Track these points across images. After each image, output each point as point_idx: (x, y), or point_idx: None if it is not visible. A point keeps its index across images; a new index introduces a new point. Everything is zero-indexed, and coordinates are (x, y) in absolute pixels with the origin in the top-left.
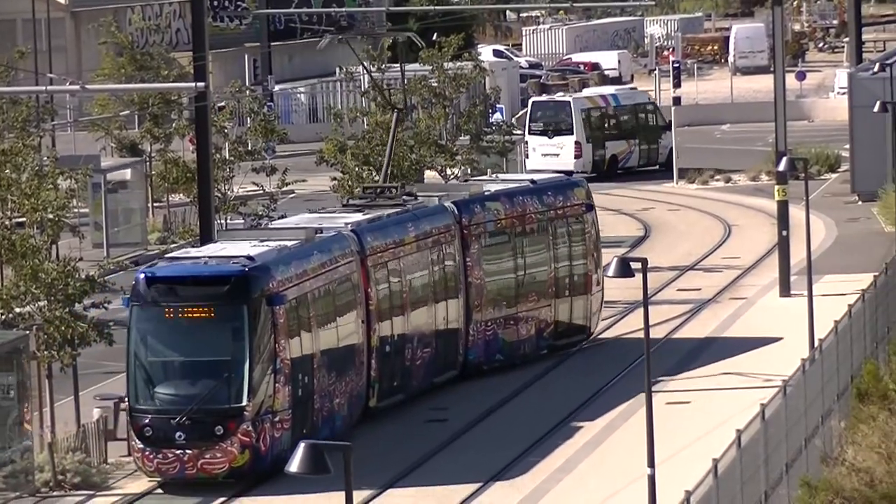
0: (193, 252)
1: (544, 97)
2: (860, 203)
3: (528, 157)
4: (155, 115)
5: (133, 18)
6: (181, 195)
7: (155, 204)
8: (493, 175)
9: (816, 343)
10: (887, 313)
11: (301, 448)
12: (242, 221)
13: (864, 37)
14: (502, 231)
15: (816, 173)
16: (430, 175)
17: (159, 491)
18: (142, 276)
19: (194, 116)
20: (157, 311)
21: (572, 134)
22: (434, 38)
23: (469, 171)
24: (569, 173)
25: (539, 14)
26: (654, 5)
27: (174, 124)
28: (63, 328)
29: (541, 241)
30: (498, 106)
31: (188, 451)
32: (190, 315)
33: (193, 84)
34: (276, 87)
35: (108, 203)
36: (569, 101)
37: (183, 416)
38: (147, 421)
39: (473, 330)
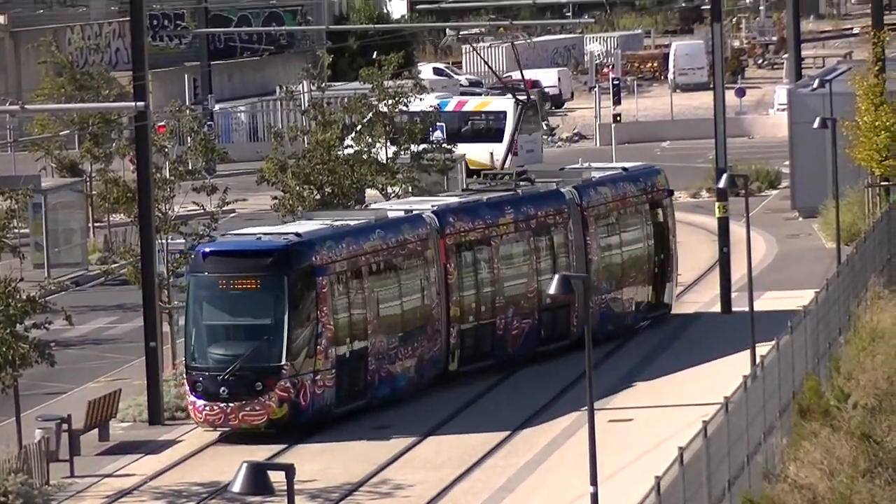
0: (256, 229)
1: None
2: (801, 219)
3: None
4: (95, 135)
5: (72, 38)
6: (122, 215)
7: (96, 224)
8: (587, 163)
9: (758, 360)
10: (828, 329)
11: (243, 468)
12: (183, 241)
13: (803, 53)
14: (611, 213)
15: (757, 190)
16: (371, 193)
17: None
18: (199, 250)
19: (134, 136)
20: (211, 281)
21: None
22: (374, 56)
23: (410, 189)
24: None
25: (479, 32)
26: (594, 22)
27: (114, 144)
28: (4, 349)
29: (638, 222)
30: (438, 124)
31: (231, 404)
32: (238, 284)
33: (133, 104)
34: (217, 107)
35: (48, 223)
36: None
37: (227, 373)
38: (198, 377)
39: (596, 304)
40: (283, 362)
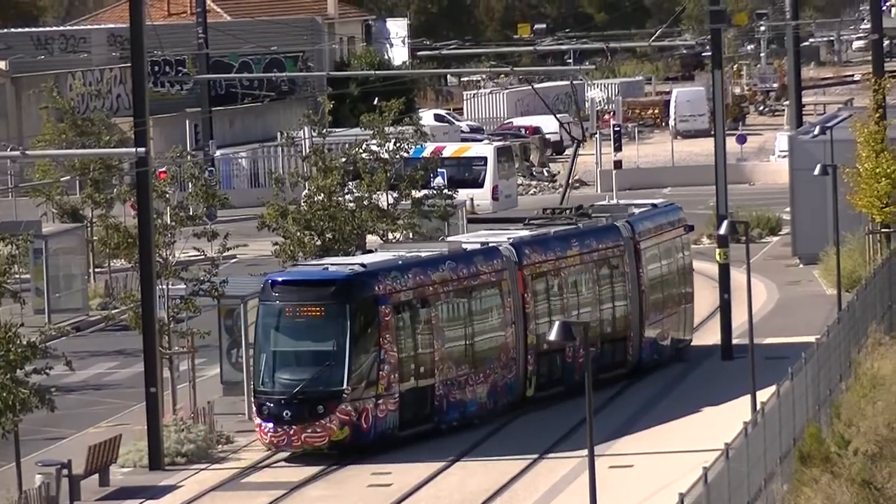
0: (325, 260)
1: None
2: (801, 266)
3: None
4: (96, 181)
5: (74, 84)
6: (122, 260)
7: (96, 270)
8: (615, 201)
9: (759, 406)
10: (829, 376)
11: None
12: (184, 286)
13: (804, 100)
14: (655, 246)
15: (758, 236)
16: (371, 239)
17: None
18: (268, 279)
19: (135, 182)
20: (278, 308)
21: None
22: (375, 102)
23: (411, 235)
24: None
25: (480, 79)
26: (595, 69)
27: (115, 190)
28: (4, 394)
29: (673, 255)
30: (439, 170)
31: (294, 426)
32: (303, 312)
33: (134, 149)
34: (218, 152)
35: (49, 269)
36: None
37: (290, 396)
38: (264, 400)
39: (647, 332)
40: (345, 387)
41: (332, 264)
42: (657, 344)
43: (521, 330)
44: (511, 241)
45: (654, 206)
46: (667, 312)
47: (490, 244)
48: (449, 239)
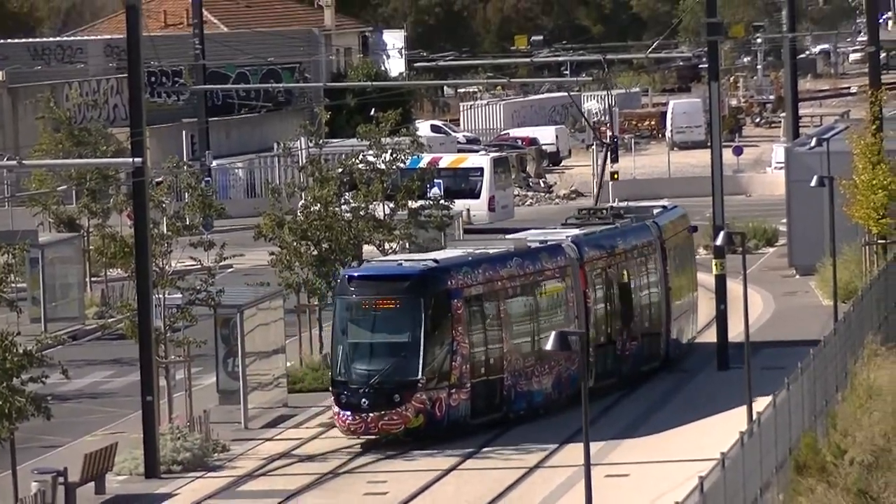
0: (398, 256)
1: None
2: (798, 277)
3: None
4: (92, 191)
5: (70, 94)
6: (119, 270)
7: (93, 279)
8: (625, 203)
9: (755, 416)
10: (825, 386)
11: None
12: (180, 296)
13: (800, 112)
14: (674, 245)
15: (754, 247)
16: (368, 249)
17: None
18: (345, 274)
19: (132, 192)
20: (355, 302)
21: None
22: (372, 113)
23: (407, 245)
24: None
25: (476, 90)
26: (592, 81)
27: (112, 199)
28: (1, 402)
29: (684, 253)
30: (436, 181)
31: (371, 414)
32: (379, 305)
33: (131, 159)
34: (214, 163)
35: (45, 278)
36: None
37: (367, 386)
38: (342, 390)
39: (672, 327)
40: (420, 376)
41: (405, 260)
42: (676, 340)
43: (583, 324)
44: (571, 238)
45: (665, 207)
46: (683, 308)
47: (551, 241)
48: (512, 237)
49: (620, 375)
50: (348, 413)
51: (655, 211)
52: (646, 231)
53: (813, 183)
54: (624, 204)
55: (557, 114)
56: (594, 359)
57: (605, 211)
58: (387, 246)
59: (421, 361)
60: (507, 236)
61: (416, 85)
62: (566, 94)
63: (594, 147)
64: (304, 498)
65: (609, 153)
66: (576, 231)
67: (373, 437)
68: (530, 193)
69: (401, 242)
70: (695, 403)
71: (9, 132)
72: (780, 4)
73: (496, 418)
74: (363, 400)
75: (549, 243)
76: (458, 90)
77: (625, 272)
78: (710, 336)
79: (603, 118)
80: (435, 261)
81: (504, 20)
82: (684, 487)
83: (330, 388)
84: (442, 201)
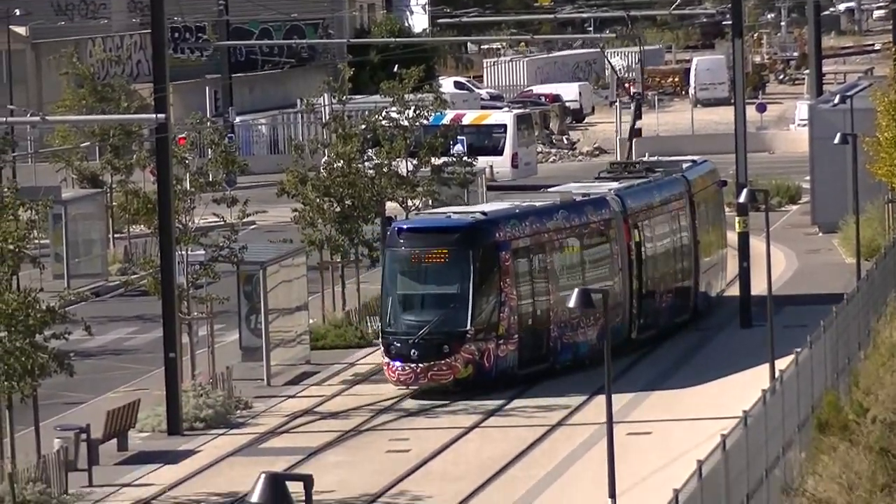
0: (447, 209)
1: None
2: (821, 234)
3: None
4: (115, 147)
5: (94, 50)
6: (142, 226)
7: (116, 235)
8: (655, 157)
9: (777, 374)
10: (847, 344)
11: (262, 479)
12: (203, 252)
13: (824, 69)
14: (702, 199)
15: (777, 205)
16: (391, 206)
17: None
18: (395, 226)
19: (155, 148)
20: (404, 254)
21: None
22: (395, 69)
23: (430, 202)
24: None
25: (500, 46)
26: (616, 37)
27: (135, 156)
28: (23, 359)
29: (715, 207)
30: (459, 138)
31: (421, 365)
32: (428, 257)
33: (154, 115)
34: (237, 119)
35: (68, 234)
36: None
37: (417, 336)
38: (392, 341)
39: (701, 281)
40: (469, 327)
41: (454, 212)
42: (707, 291)
43: (627, 276)
44: (615, 191)
45: (694, 161)
46: (713, 262)
47: (595, 194)
48: (556, 189)
49: (659, 327)
50: (398, 363)
51: (685, 165)
52: (678, 184)
53: (836, 140)
54: (654, 158)
55: (581, 70)
56: (637, 311)
57: (637, 165)
58: (409, 203)
59: (470, 312)
60: (551, 189)
61: (439, 41)
62: (595, 49)
63: (618, 104)
64: (326, 455)
65: (636, 109)
66: (614, 184)
67: (421, 387)
68: (553, 150)
69: (424, 199)
70: (717, 361)
71: (32, 88)
72: None
73: (543, 369)
74: (413, 350)
75: (592, 196)
76: (482, 47)
77: (661, 225)
78: (735, 291)
79: (628, 74)
80: (483, 213)
81: None
82: (707, 445)
83: (379, 339)
84: (465, 158)
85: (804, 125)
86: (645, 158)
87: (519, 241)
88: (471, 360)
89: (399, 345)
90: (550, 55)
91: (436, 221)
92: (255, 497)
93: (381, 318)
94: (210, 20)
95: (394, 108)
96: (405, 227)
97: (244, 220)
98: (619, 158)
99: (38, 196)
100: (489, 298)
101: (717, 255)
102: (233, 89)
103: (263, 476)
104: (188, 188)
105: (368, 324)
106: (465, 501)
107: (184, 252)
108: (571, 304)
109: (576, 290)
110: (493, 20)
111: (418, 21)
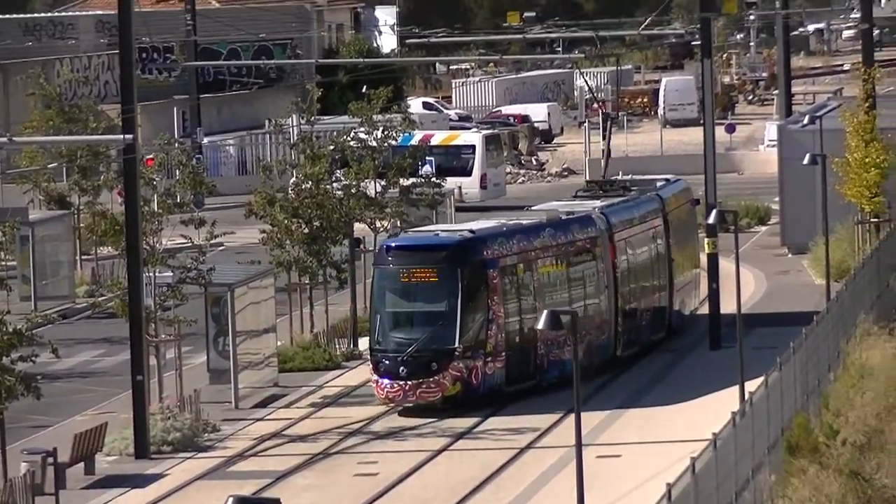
0: (434, 227)
1: None
2: (790, 255)
3: None
4: (83, 168)
5: (61, 70)
6: (109, 248)
7: (83, 257)
8: (629, 175)
9: (747, 396)
10: (817, 366)
11: (230, 502)
12: (171, 274)
13: (793, 89)
14: (676, 217)
15: (746, 226)
16: (359, 227)
17: None
18: (384, 244)
19: (122, 169)
20: (393, 272)
21: None
22: (363, 90)
23: (399, 223)
24: None
25: (468, 67)
26: (584, 58)
27: (102, 177)
28: None
29: (687, 225)
30: (427, 158)
31: (409, 382)
32: (417, 275)
33: (122, 136)
34: (205, 140)
35: (35, 256)
36: None
37: (405, 354)
38: (381, 358)
39: (675, 299)
40: (457, 345)
41: (441, 230)
42: (681, 309)
43: (613, 293)
44: (599, 209)
45: (668, 180)
46: (687, 279)
47: (580, 212)
48: (541, 207)
49: (641, 344)
50: (386, 381)
51: (659, 184)
52: (653, 203)
53: (805, 161)
54: (629, 177)
55: (550, 91)
56: (622, 328)
57: (614, 183)
58: (378, 224)
59: (458, 330)
60: (536, 207)
61: (408, 61)
62: (564, 70)
63: (587, 124)
64: (294, 478)
65: (609, 127)
66: (596, 202)
67: (411, 404)
68: (522, 171)
69: (392, 220)
70: (687, 383)
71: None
72: None
73: (530, 386)
74: (401, 368)
75: (578, 214)
76: (451, 67)
77: (641, 243)
78: (705, 311)
79: (599, 94)
80: (471, 231)
81: None
82: (676, 468)
83: (368, 356)
84: (433, 179)
85: (773, 146)
86: (619, 177)
87: (507, 259)
88: (459, 377)
89: (388, 362)
90: (519, 76)
91: (424, 239)
92: None
93: (370, 336)
94: (178, 40)
95: (362, 129)
96: (394, 244)
97: (212, 242)
98: (588, 179)
99: (5, 217)
100: (477, 316)
101: (690, 273)
102: (201, 110)
103: (231, 500)
104: (156, 209)
105: (337, 346)
106: None
107: (151, 274)
108: (540, 325)
109: (545, 312)
110: (461, 40)
111: (387, 41)
